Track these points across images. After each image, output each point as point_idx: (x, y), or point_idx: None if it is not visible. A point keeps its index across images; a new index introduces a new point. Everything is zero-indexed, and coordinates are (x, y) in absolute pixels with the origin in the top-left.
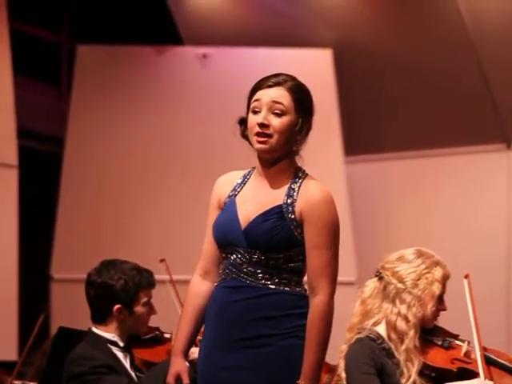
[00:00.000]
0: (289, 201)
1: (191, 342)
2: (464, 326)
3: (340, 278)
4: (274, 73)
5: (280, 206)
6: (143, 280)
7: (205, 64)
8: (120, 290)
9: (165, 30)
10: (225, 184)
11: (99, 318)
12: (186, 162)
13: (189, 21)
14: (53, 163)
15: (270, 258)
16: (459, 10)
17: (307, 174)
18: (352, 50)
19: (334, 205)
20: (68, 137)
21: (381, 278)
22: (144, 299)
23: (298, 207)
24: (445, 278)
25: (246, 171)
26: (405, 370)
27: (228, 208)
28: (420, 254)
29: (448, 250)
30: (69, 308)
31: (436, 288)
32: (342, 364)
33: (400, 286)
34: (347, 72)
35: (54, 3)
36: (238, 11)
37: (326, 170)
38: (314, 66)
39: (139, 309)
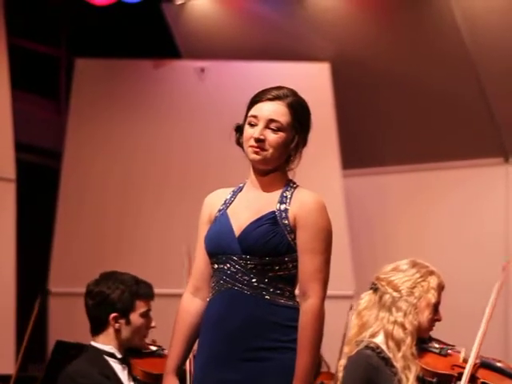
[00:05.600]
0: (282, 207)
1: (184, 360)
2: (460, 339)
3: (338, 292)
4: (276, 85)
5: (273, 212)
6: (140, 290)
7: (202, 78)
8: (116, 298)
9: (162, 44)
10: (214, 200)
11: (97, 328)
12: (183, 174)
13: (186, 34)
14: (51, 177)
15: (266, 264)
16: (457, 24)
17: (298, 185)
18: (350, 63)
19: (326, 211)
20: (66, 150)
21: (376, 290)
22: (141, 310)
23: (291, 213)
24: (440, 287)
25: (234, 188)
26: (403, 377)
27: (220, 219)
28: (414, 264)
29: (446, 264)
30: (67, 322)
31: (432, 296)
32: (341, 378)
33: (396, 294)
34: (345, 86)
35: (52, 17)
36: (236, 25)
37: (324, 184)
38: (312, 80)
39: (136, 318)
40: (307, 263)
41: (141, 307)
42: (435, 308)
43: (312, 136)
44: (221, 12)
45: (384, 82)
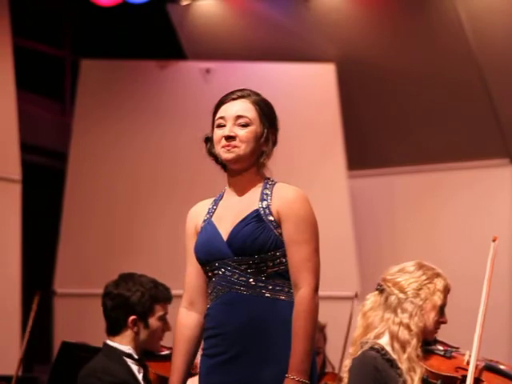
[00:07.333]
0: (264, 204)
1: (186, 374)
2: (464, 340)
3: (344, 293)
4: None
5: (257, 210)
6: (159, 293)
7: (208, 79)
8: (136, 301)
9: (168, 45)
10: (198, 212)
11: (114, 329)
12: (191, 174)
13: (192, 35)
14: (56, 178)
15: (259, 262)
16: (462, 24)
17: (277, 181)
18: (355, 64)
19: (308, 202)
20: (71, 151)
21: (382, 291)
22: (159, 313)
23: (274, 208)
24: (446, 290)
25: (215, 197)
26: (408, 379)
27: (206, 228)
28: (421, 266)
29: (452, 264)
30: (72, 322)
31: (438, 298)
32: (346, 379)
33: (401, 295)
34: (350, 86)
35: (57, 18)
36: (241, 26)
37: (329, 185)
38: (318, 81)
39: (154, 322)
40: (295, 254)
41: (159, 311)
42: (441, 310)
43: (318, 136)
44: (226, 13)
45: (389, 82)
